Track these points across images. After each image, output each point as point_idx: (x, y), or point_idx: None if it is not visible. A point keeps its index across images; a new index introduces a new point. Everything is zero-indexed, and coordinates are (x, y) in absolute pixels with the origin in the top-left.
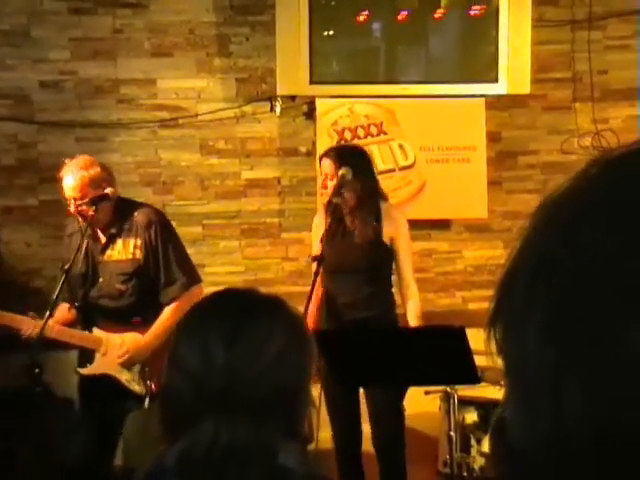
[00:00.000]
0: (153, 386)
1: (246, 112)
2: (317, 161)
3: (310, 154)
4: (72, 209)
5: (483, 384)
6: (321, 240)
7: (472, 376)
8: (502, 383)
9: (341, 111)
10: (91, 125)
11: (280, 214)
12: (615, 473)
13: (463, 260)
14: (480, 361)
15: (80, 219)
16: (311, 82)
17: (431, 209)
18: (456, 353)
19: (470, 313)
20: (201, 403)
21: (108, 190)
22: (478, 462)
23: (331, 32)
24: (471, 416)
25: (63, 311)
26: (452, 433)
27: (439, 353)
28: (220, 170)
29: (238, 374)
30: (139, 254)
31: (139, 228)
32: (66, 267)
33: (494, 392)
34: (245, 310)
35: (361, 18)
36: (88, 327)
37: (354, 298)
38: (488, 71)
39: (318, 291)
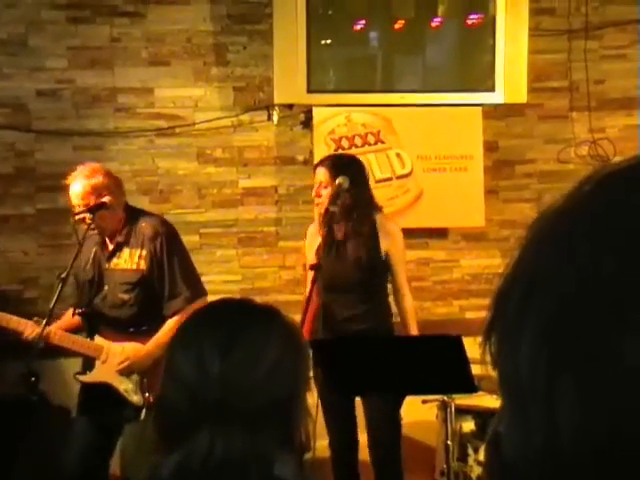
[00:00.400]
0: (151, 398)
1: (243, 121)
2: (313, 170)
3: (307, 163)
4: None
5: (480, 393)
6: (317, 251)
7: (469, 385)
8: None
9: (338, 120)
10: (88, 134)
11: (277, 223)
12: None
13: (460, 269)
14: (477, 370)
15: (84, 226)
16: (308, 91)
17: (428, 218)
18: (453, 362)
19: (467, 322)
20: (196, 414)
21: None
22: (475, 471)
23: (328, 41)
24: (468, 425)
25: (68, 316)
26: (449, 442)
27: (436, 362)
28: (217, 179)
29: (234, 385)
30: (143, 265)
31: (145, 239)
32: (63, 275)
33: (491, 401)
34: (240, 320)
35: (358, 27)
36: (91, 334)
37: (351, 313)
38: (485, 80)
39: (315, 301)
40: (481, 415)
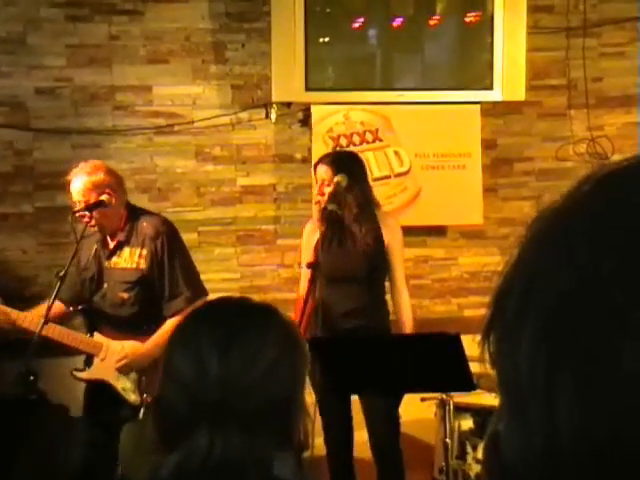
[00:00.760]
0: (149, 398)
1: (242, 119)
2: (312, 168)
3: (306, 161)
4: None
5: (479, 391)
6: (315, 247)
7: (468, 383)
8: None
9: (336, 118)
10: (87, 132)
11: (276, 221)
12: None
13: (459, 267)
14: (476, 368)
15: (83, 224)
16: (306, 89)
17: (426, 216)
18: (452, 360)
19: (466, 320)
20: (195, 413)
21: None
22: (474, 469)
23: (326, 39)
24: (467, 423)
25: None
26: (448, 440)
27: (435, 360)
28: (216, 177)
29: (232, 385)
30: (143, 264)
31: (146, 238)
32: (61, 274)
33: (490, 399)
34: (238, 319)
35: (356, 25)
36: (90, 331)
37: (352, 306)
38: (483, 78)
39: (311, 299)
40: (480, 413)
